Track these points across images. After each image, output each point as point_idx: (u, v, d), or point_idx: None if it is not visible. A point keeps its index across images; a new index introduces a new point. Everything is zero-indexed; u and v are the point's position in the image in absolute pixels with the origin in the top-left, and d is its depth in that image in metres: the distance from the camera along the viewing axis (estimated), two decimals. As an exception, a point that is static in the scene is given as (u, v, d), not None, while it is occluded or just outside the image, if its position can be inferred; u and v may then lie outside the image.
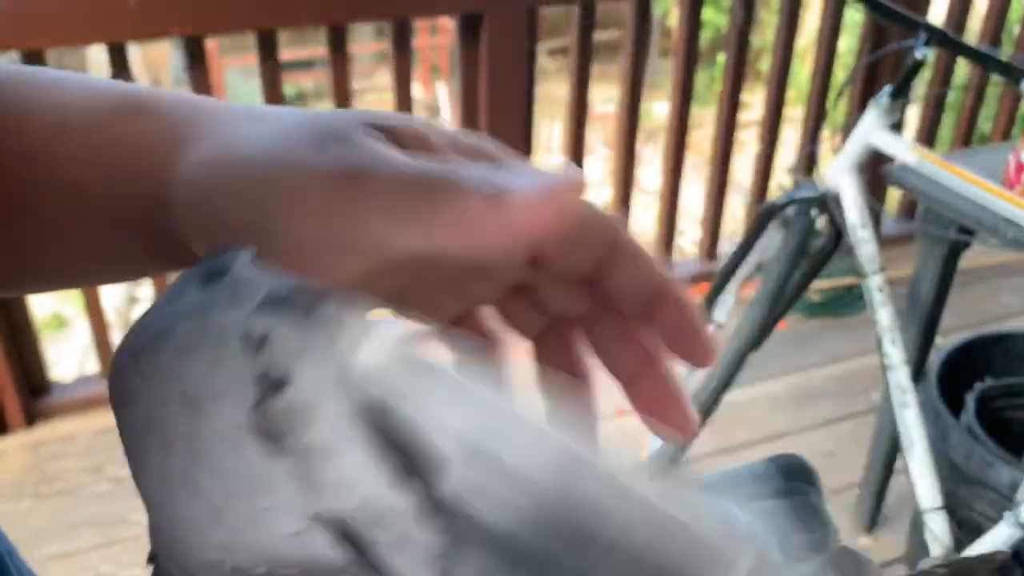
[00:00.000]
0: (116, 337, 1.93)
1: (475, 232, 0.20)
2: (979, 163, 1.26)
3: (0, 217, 0.25)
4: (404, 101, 1.82)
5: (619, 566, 0.17)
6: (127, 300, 3.49)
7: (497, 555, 0.16)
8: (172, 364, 0.17)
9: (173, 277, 0.22)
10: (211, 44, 1.70)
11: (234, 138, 0.22)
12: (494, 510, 0.16)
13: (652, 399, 0.25)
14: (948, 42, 1.27)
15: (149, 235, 0.24)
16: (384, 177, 0.20)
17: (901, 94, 1.30)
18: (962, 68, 2.46)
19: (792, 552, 0.22)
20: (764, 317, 1.47)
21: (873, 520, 1.59)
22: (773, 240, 1.50)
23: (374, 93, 5.00)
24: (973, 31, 2.43)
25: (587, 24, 1.90)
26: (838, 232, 1.39)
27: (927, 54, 1.26)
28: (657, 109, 4.55)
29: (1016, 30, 2.54)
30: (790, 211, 1.46)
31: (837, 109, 1.43)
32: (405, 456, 0.16)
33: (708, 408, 1.59)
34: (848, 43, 2.96)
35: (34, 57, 1.53)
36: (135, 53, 4.42)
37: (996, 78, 1.29)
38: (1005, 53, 2.37)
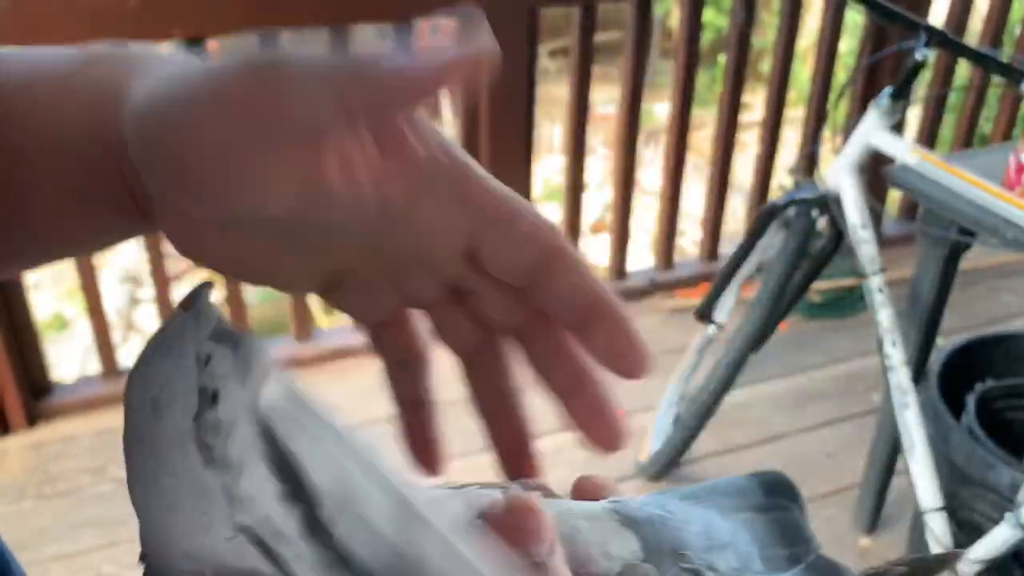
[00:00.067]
0: (117, 338, 1.93)
1: (386, 91, 0.20)
2: (979, 164, 1.26)
3: None
4: (405, 102, 1.83)
5: None
6: (128, 301, 3.49)
7: None
8: (147, 372, 0.20)
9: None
10: (213, 45, 1.71)
11: (172, 71, 0.23)
12: (356, 545, 0.18)
13: (584, 416, 0.25)
14: (948, 43, 1.27)
15: (112, 179, 0.24)
16: (298, 62, 0.21)
17: (901, 95, 1.30)
18: (963, 69, 2.46)
19: (772, 563, 0.22)
20: (765, 318, 1.47)
21: (874, 521, 1.59)
22: (774, 241, 1.50)
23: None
24: (974, 31, 2.43)
25: (588, 25, 1.90)
26: (839, 233, 1.39)
27: (927, 55, 1.26)
28: (658, 110, 4.55)
29: (1017, 31, 2.54)
30: (791, 212, 1.46)
31: (838, 110, 1.43)
32: (292, 482, 0.18)
33: (709, 409, 1.59)
34: (849, 44, 2.96)
35: (36, 58, 1.53)
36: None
37: (997, 79, 1.29)
38: (1006, 54, 2.37)
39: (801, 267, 1.46)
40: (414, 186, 0.23)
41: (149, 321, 3.29)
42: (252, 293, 1.96)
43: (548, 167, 4.71)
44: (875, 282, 1.34)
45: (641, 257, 2.74)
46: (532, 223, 0.24)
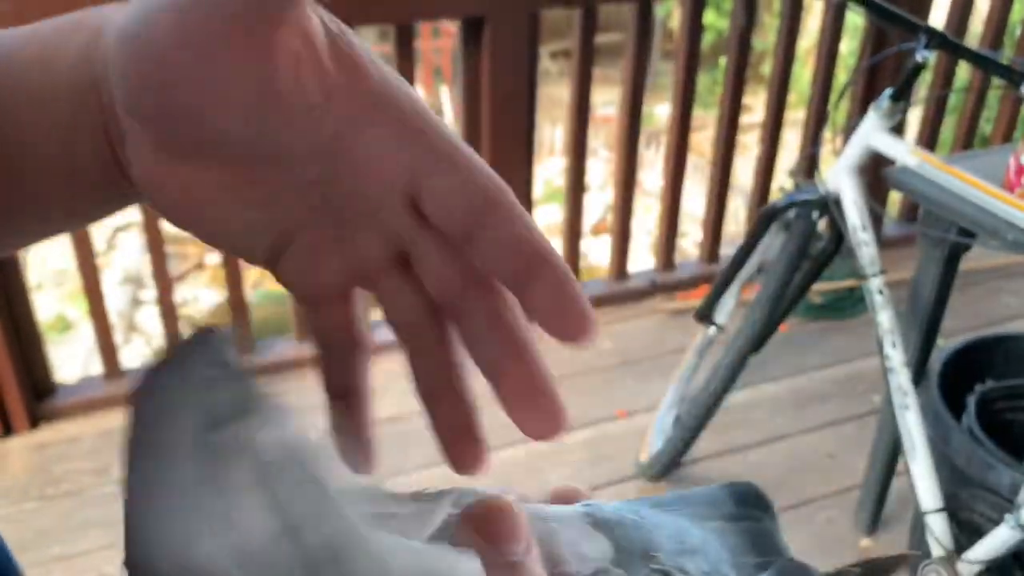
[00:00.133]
0: (119, 339, 1.94)
1: None
2: (979, 166, 1.26)
3: None
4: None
5: None
6: (131, 303, 3.50)
7: None
8: (160, 383, 0.21)
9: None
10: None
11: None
12: None
13: (516, 395, 0.23)
14: (948, 45, 1.27)
15: (97, 134, 0.24)
16: None
17: (902, 97, 1.31)
18: (964, 70, 2.46)
19: (743, 570, 0.23)
20: (765, 319, 1.48)
21: (874, 522, 1.59)
22: (774, 242, 1.50)
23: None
24: (975, 33, 2.43)
25: (589, 27, 1.91)
26: (839, 234, 1.39)
27: (928, 57, 1.26)
28: (659, 111, 4.56)
29: (1017, 32, 2.54)
30: (791, 214, 1.46)
31: (838, 112, 1.43)
32: (287, 515, 0.19)
33: (710, 410, 1.59)
34: (849, 46, 2.96)
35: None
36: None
37: (997, 81, 1.29)
38: (1006, 56, 2.38)
39: (801, 268, 1.46)
40: (361, 110, 0.23)
41: (151, 322, 3.30)
42: (253, 295, 1.96)
43: (549, 168, 4.71)
44: (875, 283, 1.34)
45: (642, 258, 2.75)
46: (474, 167, 0.23)
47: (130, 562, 0.20)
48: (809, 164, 2.09)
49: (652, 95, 3.33)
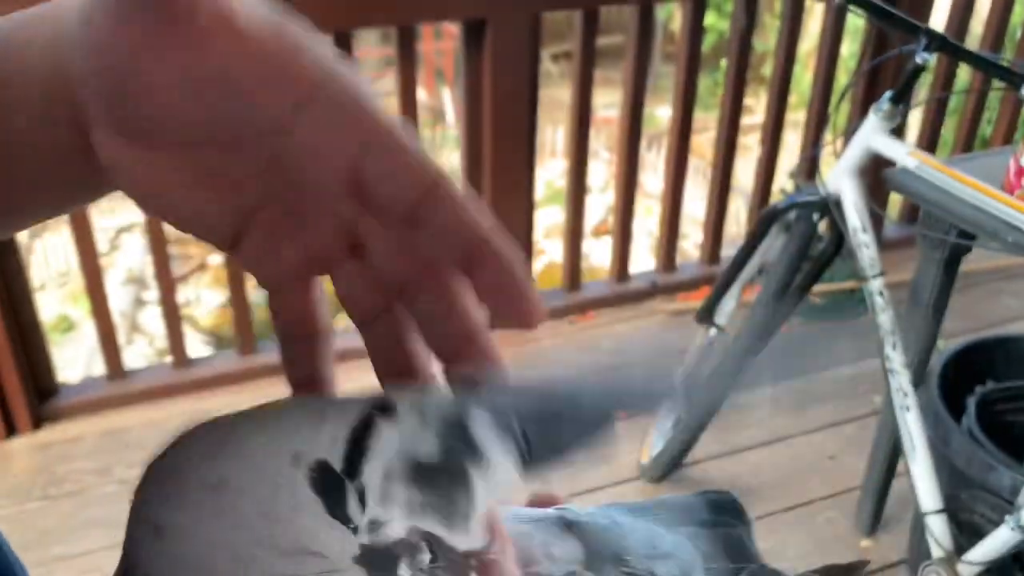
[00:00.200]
0: (122, 339, 1.94)
1: None
2: (979, 167, 1.27)
3: None
4: (409, 105, 1.84)
5: None
6: (133, 303, 3.51)
7: None
8: (294, 424, 0.22)
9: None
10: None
11: None
12: None
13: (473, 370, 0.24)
14: (949, 47, 1.27)
15: (71, 117, 0.25)
16: None
17: (902, 99, 1.31)
18: (964, 72, 2.47)
19: (715, 575, 0.23)
20: (766, 320, 1.48)
21: (874, 523, 1.59)
22: (775, 244, 1.50)
23: (379, 97, 4.99)
24: (976, 34, 2.43)
25: (590, 29, 1.91)
26: (839, 236, 1.40)
27: (928, 59, 1.26)
28: (660, 113, 4.56)
29: (1018, 34, 2.54)
30: (792, 215, 1.46)
31: (839, 114, 1.43)
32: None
33: (711, 411, 1.60)
34: (850, 48, 2.96)
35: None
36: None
37: (997, 83, 1.29)
38: (1007, 58, 2.38)
39: (802, 270, 1.47)
40: (298, 97, 0.23)
41: (154, 323, 3.30)
42: (255, 295, 1.96)
43: (551, 170, 4.72)
44: (875, 285, 1.35)
45: (643, 260, 2.75)
46: (414, 154, 0.24)
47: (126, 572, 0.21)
48: (810, 166, 2.09)
49: (653, 97, 3.34)
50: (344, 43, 1.74)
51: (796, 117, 2.73)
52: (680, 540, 0.23)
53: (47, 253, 4.06)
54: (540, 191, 3.70)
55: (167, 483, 0.21)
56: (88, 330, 2.89)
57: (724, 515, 0.25)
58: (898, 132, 1.40)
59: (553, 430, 0.21)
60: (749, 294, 1.60)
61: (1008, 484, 1.20)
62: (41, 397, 1.82)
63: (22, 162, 0.26)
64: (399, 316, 0.26)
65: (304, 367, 0.27)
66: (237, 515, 0.20)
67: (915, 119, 2.38)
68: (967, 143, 2.37)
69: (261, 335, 1.99)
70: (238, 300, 1.90)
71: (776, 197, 2.24)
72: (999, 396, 1.39)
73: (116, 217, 3.98)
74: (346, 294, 0.26)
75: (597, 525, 0.24)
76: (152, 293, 3.22)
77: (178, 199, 0.25)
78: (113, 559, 0.21)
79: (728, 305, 1.60)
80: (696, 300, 2.04)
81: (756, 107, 3.52)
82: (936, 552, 1.29)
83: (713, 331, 1.63)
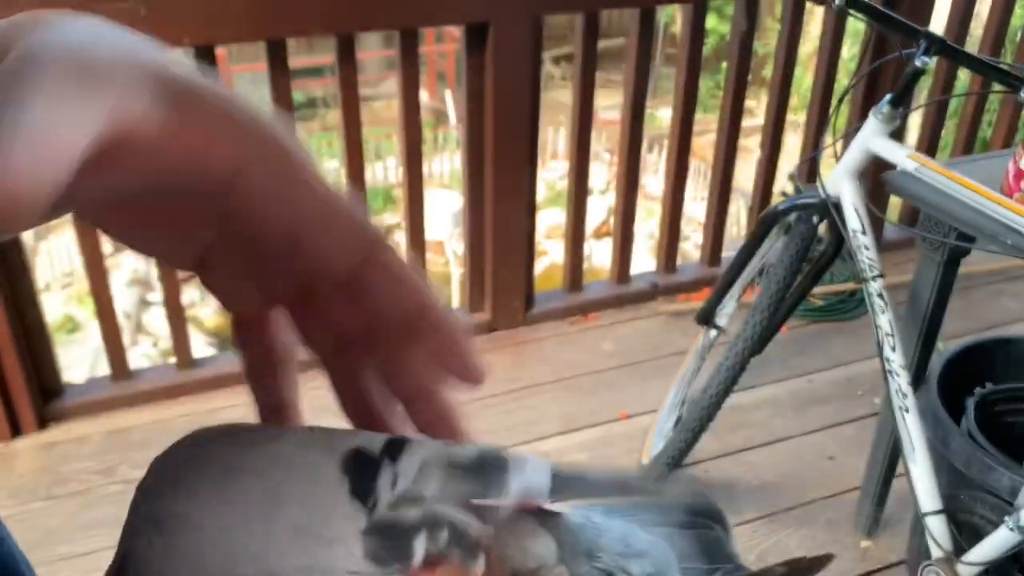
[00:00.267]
0: (127, 339, 1.95)
1: None
2: (979, 170, 1.27)
3: None
4: (411, 107, 1.85)
5: None
6: (138, 304, 3.51)
7: None
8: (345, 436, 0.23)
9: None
10: (220, 51, 1.73)
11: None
12: None
13: (429, 423, 0.26)
14: (948, 51, 1.28)
15: None
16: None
17: (901, 102, 1.32)
18: (964, 75, 2.47)
19: (690, 574, 0.23)
20: (766, 322, 1.49)
21: (874, 523, 1.60)
22: (775, 246, 1.51)
23: (382, 99, 5.02)
24: (976, 37, 2.44)
25: (591, 32, 1.92)
26: (839, 238, 1.40)
27: (928, 63, 1.27)
28: (661, 115, 4.57)
29: (1018, 37, 2.55)
30: (792, 217, 1.47)
31: (839, 116, 1.44)
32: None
33: (710, 412, 1.60)
34: (850, 51, 2.97)
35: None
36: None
37: (997, 86, 1.30)
38: (1007, 61, 2.38)
39: (802, 271, 1.47)
40: (236, 151, 0.22)
41: (158, 324, 3.31)
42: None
43: (552, 172, 4.73)
44: (875, 287, 1.35)
45: (644, 261, 2.76)
46: (349, 227, 0.24)
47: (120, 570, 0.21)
48: (810, 168, 2.10)
49: (654, 99, 3.35)
50: (347, 46, 1.75)
51: (796, 119, 2.74)
52: (655, 540, 0.24)
53: (52, 254, 4.08)
54: (541, 192, 3.71)
55: (169, 477, 0.22)
56: (93, 331, 2.90)
57: (702, 517, 0.25)
58: (898, 135, 1.40)
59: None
60: (749, 295, 1.61)
61: (1007, 485, 1.21)
62: (46, 397, 1.83)
63: None
64: (354, 363, 0.26)
65: (270, 395, 0.27)
66: (245, 502, 0.21)
67: (915, 122, 2.39)
68: (967, 146, 2.38)
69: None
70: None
71: (776, 199, 2.25)
72: (998, 397, 1.40)
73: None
74: (303, 336, 0.26)
75: (571, 523, 0.24)
76: (156, 294, 3.23)
77: (136, 237, 0.25)
78: (117, 559, 0.22)
79: (728, 306, 1.60)
80: (697, 301, 2.05)
81: (757, 109, 3.53)
82: (935, 552, 1.30)
83: (713, 332, 1.63)
